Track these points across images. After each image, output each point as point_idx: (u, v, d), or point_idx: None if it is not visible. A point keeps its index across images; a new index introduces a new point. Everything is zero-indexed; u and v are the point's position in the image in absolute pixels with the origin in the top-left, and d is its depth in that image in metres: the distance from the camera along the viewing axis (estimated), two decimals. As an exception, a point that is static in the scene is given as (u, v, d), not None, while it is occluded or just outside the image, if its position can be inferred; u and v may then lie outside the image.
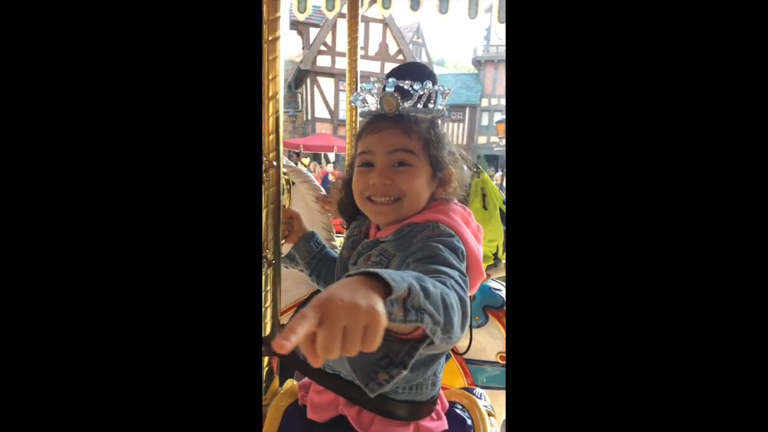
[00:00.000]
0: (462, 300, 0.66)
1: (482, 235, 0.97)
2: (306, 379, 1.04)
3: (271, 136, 0.97)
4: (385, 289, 0.52)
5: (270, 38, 0.97)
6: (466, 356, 1.68)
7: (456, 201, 0.96)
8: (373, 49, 18.33)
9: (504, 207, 1.86)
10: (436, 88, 0.91)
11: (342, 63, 17.99)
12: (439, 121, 0.95)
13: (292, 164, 1.79)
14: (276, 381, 1.08)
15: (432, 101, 0.92)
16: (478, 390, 1.20)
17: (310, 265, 1.13)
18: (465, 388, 1.20)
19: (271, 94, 0.96)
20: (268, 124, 0.98)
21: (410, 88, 0.89)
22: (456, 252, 0.81)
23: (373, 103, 0.94)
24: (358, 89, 0.95)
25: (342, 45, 17.91)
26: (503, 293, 1.84)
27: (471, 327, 1.67)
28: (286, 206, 1.12)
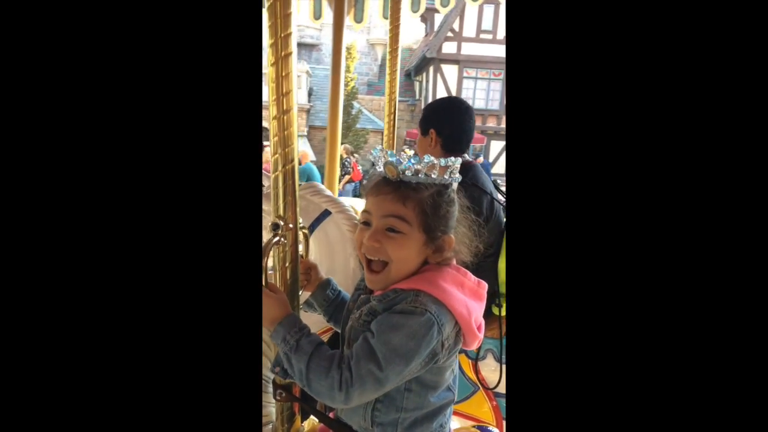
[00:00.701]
0: (333, 384, 0.86)
1: (485, 289, 0.98)
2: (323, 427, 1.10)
3: (289, 198, 1.02)
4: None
5: (283, 54, 0.97)
6: (495, 390, 1.66)
7: (453, 263, 0.96)
8: (501, 33, 17.68)
9: None
10: (436, 162, 0.91)
11: (468, 49, 17.66)
12: (452, 189, 0.95)
13: (329, 193, 1.85)
14: (298, 420, 1.15)
15: (434, 173, 0.91)
16: (492, 429, 1.17)
17: (327, 312, 1.19)
18: (479, 426, 1.18)
19: (284, 139, 1.00)
20: (289, 173, 1.02)
21: (407, 161, 0.90)
22: (414, 333, 0.85)
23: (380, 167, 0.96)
24: (374, 153, 0.98)
25: (469, 30, 17.56)
26: None
27: (501, 363, 1.68)
28: (304, 257, 1.17)
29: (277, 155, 1.01)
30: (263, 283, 1.01)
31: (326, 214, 1.83)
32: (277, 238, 1.01)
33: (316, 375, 0.88)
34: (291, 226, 1.03)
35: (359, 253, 0.99)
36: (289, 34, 0.98)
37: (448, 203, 0.94)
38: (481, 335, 0.95)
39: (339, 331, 1.22)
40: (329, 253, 1.87)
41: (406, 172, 0.91)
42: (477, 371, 1.68)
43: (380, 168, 0.96)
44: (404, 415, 0.93)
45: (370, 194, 0.96)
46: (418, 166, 0.90)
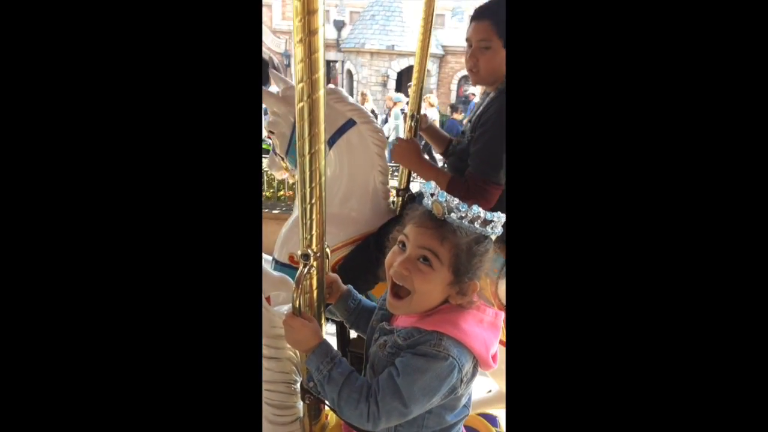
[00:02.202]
0: (362, 415, 0.97)
1: (501, 318, 1.07)
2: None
3: (317, 230, 1.06)
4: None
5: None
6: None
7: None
8: None
9: None
10: (482, 214, 0.97)
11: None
12: (489, 241, 1.01)
13: (354, 101, 1.79)
14: (323, 416, 1.27)
15: (478, 222, 0.98)
16: (496, 417, 1.37)
17: (349, 321, 1.28)
18: (483, 414, 1.37)
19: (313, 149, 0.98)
20: (316, 208, 1.04)
21: (456, 207, 0.96)
22: (437, 376, 0.95)
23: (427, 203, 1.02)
24: (424, 185, 1.03)
25: None
26: None
27: None
28: (327, 272, 1.22)
29: (305, 190, 1.02)
30: (297, 310, 1.06)
31: (350, 123, 1.79)
32: (308, 268, 1.05)
33: (347, 405, 0.99)
34: (318, 254, 1.07)
35: (387, 274, 1.06)
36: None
37: (483, 253, 1.00)
38: (496, 365, 1.04)
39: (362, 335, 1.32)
40: (350, 168, 1.83)
41: (452, 214, 0.97)
42: None
43: (428, 202, 1.01)
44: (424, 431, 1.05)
45: (413, 223, 1.03)
46: (465, 214, 0.96)
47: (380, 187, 1.98)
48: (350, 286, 1.29)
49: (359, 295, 1.29)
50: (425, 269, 1.00)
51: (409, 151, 1.92)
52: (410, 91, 2.08)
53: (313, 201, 1.04)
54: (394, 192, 2.08)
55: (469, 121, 1.92)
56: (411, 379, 0.95)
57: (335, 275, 1.25)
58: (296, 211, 2.05)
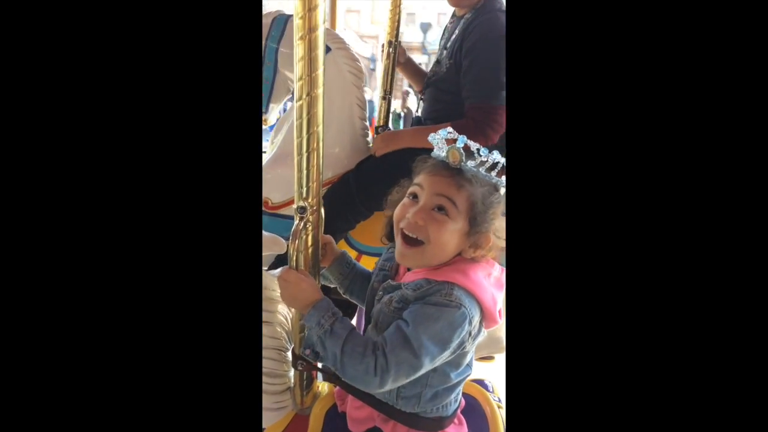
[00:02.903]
0: (369, 369, 0.91)
1: (504, 276, 1.05)
2: (339, 389, 1.18)
3: (314, 184, 1.02)
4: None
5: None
6: None
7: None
8: None
9: None
10: (502, 161, 0.94)
11: None
12: (501, 191, 0.99)
13: (329, 28, 1.71)
14: (316, 384, 1.22)
15: (495, 170, 0.96)
16: (488, 382, 1.36)
17: (343, 285, 1.23)
18: (476, 380, 1.35)
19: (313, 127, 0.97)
20: (314, 158, 1.00)
21: (476, 152, 0.94)
22: (448, 325, 0.91)
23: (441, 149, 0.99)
24: (437, 133, 1.00)
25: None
26: None
27: None
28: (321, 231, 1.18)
29: (301, 138, 0.99)
30: (294, 266, 1.02)
31: (325, 50, 1.73)
32: (304, 222, 1.02)
33: (351, 359, 0.92)
34: (314, 208, 1.04)
35: (396, 226, 1.02)
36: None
37: (496, 205, 0.98)
38: (501, 320, 1.01)
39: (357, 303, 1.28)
40: (325, 101, 1.74)
41: (469, 162, 0.94)
42: None
43: (439, 152, 0.99)
44: (427, 390, 1.01)
45: (426, 172, 0.99)
46: (486, 159, 0.93)
47: (358, 122, 1.86)
48: (344, 251, 1.25)
49: (353, 260, 1.26)
50: (441, 218, 0.96)
51: (390, 134, 1.89)
52: (387, 20, 2.02)
53: (309, 151, 1.00)
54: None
55: (444, 48, 1.83)
56: (422, 328, 0.91)
57: (329, 236, 1.21)
58: (271, 152, 1.92)
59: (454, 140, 0.97)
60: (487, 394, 1.28)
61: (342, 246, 1.80)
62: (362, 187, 1.74)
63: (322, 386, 1.25)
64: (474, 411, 1.23)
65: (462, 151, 0.95)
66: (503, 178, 0.97)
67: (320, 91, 0.98)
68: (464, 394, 1.22)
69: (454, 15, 1.88)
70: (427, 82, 1.94)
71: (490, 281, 1.01)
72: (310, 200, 1.02)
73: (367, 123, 1.90)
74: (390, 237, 1.17)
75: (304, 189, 1.02)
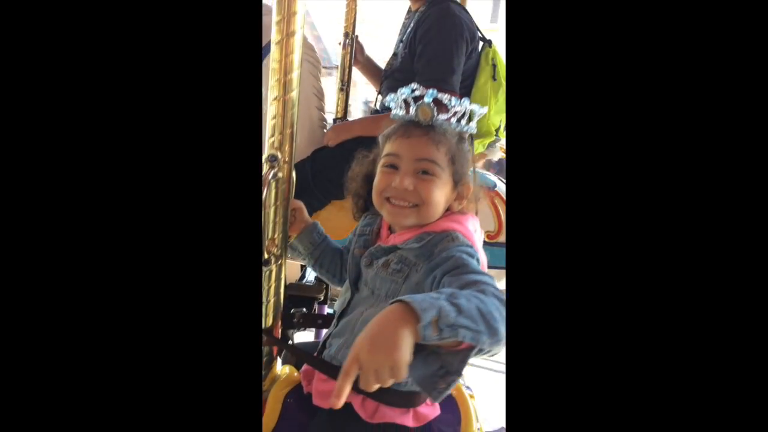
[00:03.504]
0: (501, 302, 0.72)
1: (481, 232, 1.03)
2: (308, 367, 1.08)
3: (288, 130, 0.97)
4: (415, 318, 0.63)
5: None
6: None
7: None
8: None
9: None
10: (472, 107, 0.94)
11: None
12: (467, 138, 0.99)
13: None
14: (275, 367, 1.11)
15: (465, 118, 0.95)
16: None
17: (312, 256, 1.16)
18: None
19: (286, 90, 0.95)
20: (287, 117, 0.96)
21: (448, 102, 0.92)
22: (475, 259, 0.87)
23: (404, 110, 0.96)
24: (398, 92, 0.96)
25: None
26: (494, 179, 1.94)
27: None
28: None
29: (276, 80, 0.94)
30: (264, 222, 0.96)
31: None
32: (274, 171, 0.96)
33: (496, 305, 0.70)
34: (287, 159, 0.98)
35: (379, 197, 0.97)
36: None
37: (468, 152, 0.98)
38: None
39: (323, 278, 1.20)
40: None
41: (440, 116, 0.92)
42: None
43: (399, 112, 0.96)
44: None
45: (400, 136, 0.96)
46: (459, 109, 0.92)
47: (315, 113, 1.84)
48: (316, 221, 1.18)
49: (323, 230, 1.19)
50: (428, 179, 0.94)
51: (341, 125, 1.86)
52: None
53: (286, 95, 0.96)
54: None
55: (400, 41, 1.88)
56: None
57: (300, 202, 1.14)
58: None
59: (422, 97, 0.94)
60: (459, 383, 1.21)
61: None
62: (317, 174, 1.72)
63: (282, 370, 1.14)
64: (447, 402, 1.16)
65: (432, 105, 0.93)
66: (473, 124, 0.97)
67: (294, 93, 0.96)
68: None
69: (409, 10, 1.95)
70: (384, 75, 1.97)
71: (476, 235, 0.98)
72: (285, 150, 0.97)
73: (324, 114, 1.89)
74: (364, 210, 1.12)
75: (279, 138, 0.96)
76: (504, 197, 1.89)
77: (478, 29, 1.83)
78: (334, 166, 1.48)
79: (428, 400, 1.05)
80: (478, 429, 1.13)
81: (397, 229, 1.00)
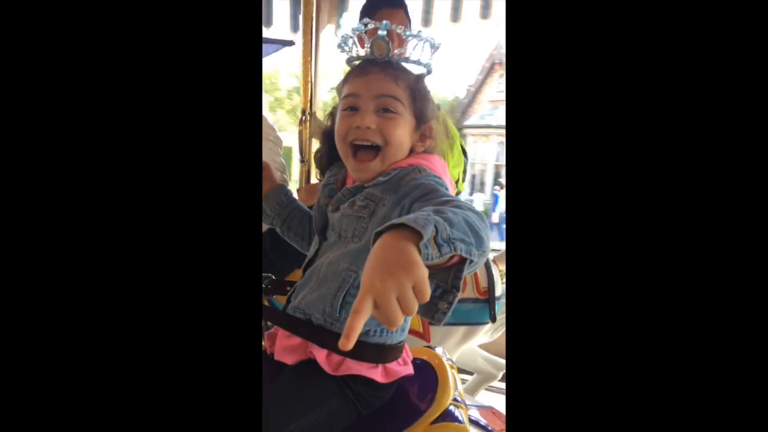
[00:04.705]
0: (480, 216, 0.69)
1: (452, 182, 1.00)
2: (273, 329, 1.02)
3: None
4: (415, 235, 0.56)
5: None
6: None
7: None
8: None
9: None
10: (427, 37, 0.92)
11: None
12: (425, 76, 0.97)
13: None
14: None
15: (422, 51, 0.93)
16: (438, 349, 1.23)
17: (280, 216, 1.12)
18: (429, 346, 1.22)
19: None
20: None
21: (402, 32, 0.91)
22: (444, 188, 0.83)
23: (359, 47, 0.94)
24: (349, 31, 0.95)
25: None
26: None
27: None
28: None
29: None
30: None
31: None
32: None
33: (476, 217, 0.69)
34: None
35: (343, 143, 0.94)
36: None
37: (428, 92, 0.95)
38: None
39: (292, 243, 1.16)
40: None
41: (396, 50, 0.91)
42: None
43: (355, 48, 0.94)
44: None
45: (356, 76, 0.94)
46: (419, 36, 0.90)
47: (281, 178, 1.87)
48: (283, 184, 1.15)
49: (292, 192, 1.16)
50: (391, 116, 0.90)
51: (311, 186, 1.89)
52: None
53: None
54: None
55: None
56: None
57: (266, 162, 1.11)
58: None
59: (376, 30, 0.92)
60: (439, 353, 1.15)
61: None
62: (276, 247, 1.68)
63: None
64: (424, 368, 1.09)
65: (387, 39, 0.91)
66: (431, 55, 0.95)
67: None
68: (415, 358, 1.09)
69: None
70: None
71: (447, 178, 0.94)
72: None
73: (286, 178, 1.98)
74: (327, 166, 1.09)
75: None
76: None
77: None
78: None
79: (399, 360, 0.98)
80: (458, 397, 1.06)
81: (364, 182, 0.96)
